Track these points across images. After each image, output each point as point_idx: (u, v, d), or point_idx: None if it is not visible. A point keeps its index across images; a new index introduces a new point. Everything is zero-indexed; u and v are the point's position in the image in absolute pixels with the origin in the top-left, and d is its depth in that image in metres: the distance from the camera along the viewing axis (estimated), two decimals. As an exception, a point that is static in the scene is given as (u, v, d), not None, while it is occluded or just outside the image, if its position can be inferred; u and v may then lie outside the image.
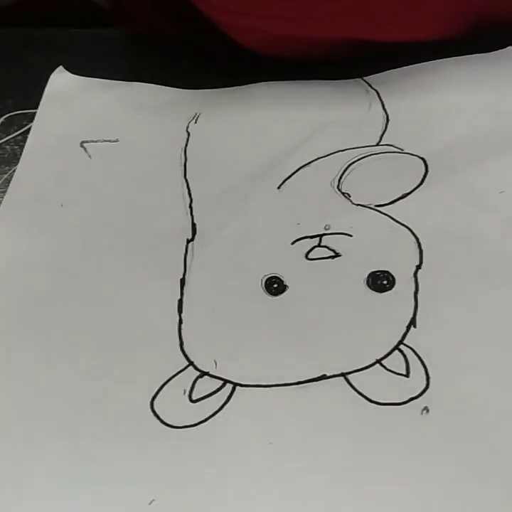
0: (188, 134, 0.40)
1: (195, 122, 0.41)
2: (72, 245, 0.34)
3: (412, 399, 0.27)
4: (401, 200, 0.34)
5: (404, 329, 0.29)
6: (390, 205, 0.34)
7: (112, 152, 0.39)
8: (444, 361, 0.28)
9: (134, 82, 0.44)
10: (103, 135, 0.40)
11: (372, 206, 0.34)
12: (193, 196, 0.36)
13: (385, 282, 0.31)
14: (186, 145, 0.39)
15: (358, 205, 0.34)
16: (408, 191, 0.35)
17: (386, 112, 0.40)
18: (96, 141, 0.40)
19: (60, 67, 0.45)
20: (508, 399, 0.26)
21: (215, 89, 0.43)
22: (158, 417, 0.26)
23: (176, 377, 0.27)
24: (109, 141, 0.40)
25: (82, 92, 0.44)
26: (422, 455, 0.25)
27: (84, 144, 0.40)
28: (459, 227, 0.33)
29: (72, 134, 0.40)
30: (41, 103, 0.42)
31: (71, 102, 0.43)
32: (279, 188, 0.36)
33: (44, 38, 0.49)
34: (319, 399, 0.27)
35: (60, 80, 0.44)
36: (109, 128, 0.41)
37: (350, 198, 0.35)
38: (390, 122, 0.39)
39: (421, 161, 0.36)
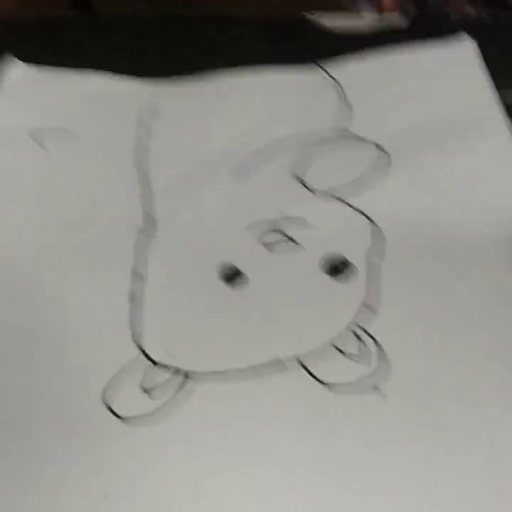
0: (141, 124, 0.40)
1: (148, 112, 0.41)
2: (23, 241, 0.33)
3: (364, 379, 0.27)
4: (357, 186, 0.35)
5: (356, 310, 0.29)
6: (345, 191, 0.34)
7: (64, 144, 0.38)
8: (397, 343, 0.28)
9: (89, 72, 0.43)
10: (56, 127, 0.40)
11: (327, 191, 0.34)
12: (145, 185, 0.35)
13: (338, 266, 0.31)
14: (139, 135, 0.39)
15: (313, 190, 0.34)
16: (364, 178, 0.35)
17: (345, 101, 0.40)
18: (48, 133, 0.39)
19: (13, 57, 0.44)
20: (461, 382, 0.27)
21: (169, 78, 0.43)
22: (110, 409, 0.26)
23: (127, 368, 0.27)
24: (61, 132, 0.39)
25: (36, 82, 0.43)
26: (378, 440, 0.25)
27: (36, 136, 0.39)
28: (415, 213, 0.34)
29: (24, 127, 0.40)
30: None
31: (25, 93, 0.42)
32: (233, 174, 0.36)
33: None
34: (273, 388, 0.27)
35: (14, 71, 0.43)
36: (62, 119, 0.40)
37: (306, 184, 0.35)
38: (346, 108, 0.39)
39: (379, 150, 0.36)
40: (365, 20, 0.46)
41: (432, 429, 0.25)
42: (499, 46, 0.43)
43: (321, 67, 0.42)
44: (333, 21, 0.46)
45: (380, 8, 0.54)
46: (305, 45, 0.45)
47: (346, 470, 0.24)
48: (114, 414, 0.26)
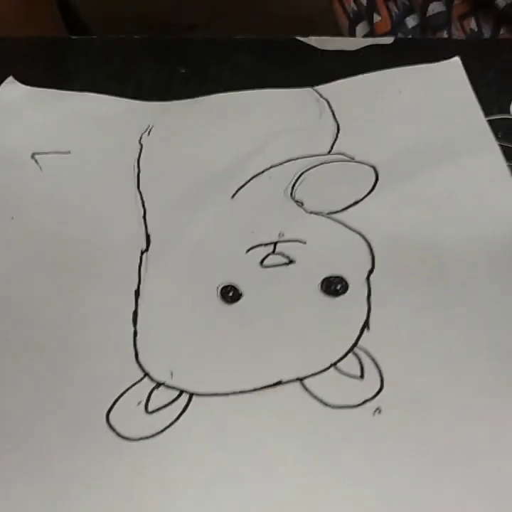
0: (141, 146, 0.40)
1: (148, 134, 0.41)
2: (24, 258, 0.33)
3: (366, 401, 0.27)
4: (353, 207, 0.35)
5: (358, 332, 0.29)
6: (342, 212, 0.35)
7: (64, 164, 0.39)
8: (397, 362, 0.28)
9: (87, 93, 0.44)
10: (55, 147, 0.40)
11: (324, 213, 0.35)
12: (146, 207, 0.36)
13: (338, 287, 0.31)
14: (139, 156, 0.39)
15: (310, 212, 0.35)
16: (360, 198, 0.36)
17: (336, 121, 0.41)
18: (47, 153, 0.40)
19: (10, 78, 0.44)
20: (459, 398, 0.27)
21: (169, 102, 0.43)
22: (114, 430, 0.26)
23: (131, 389, 0.27)
24: (61, 152, 0.40)
25: (34, 102, 0.43)
26: (377, 456, 0.25)
27: (36, 156, 0.39)
28: (410, 231, 0.34)
29: (24, 146, 0.40)
30: None
31: (22, 113, 0.42)
32: (232, 197, 0.36)
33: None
34: (275, 405, 0.27)
35: (11, 91, 0.44)
36: (61, 139, 0.41)
37: (303, 206, 0.35)
38: (340, 131, 0.40)
39: (371, 169, 0.37)
40: (353, 42, 0.48)
41: (431, 443, 0.26)
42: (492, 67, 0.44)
43: (314, 89, 0.43)
44: (324, 43, 0.47)
45: (374, 31, 0.55)
46: (299, 66, 0.46)
47: (347, 484, 0.25)
48: (118, 435, 0.26)
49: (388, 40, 0.47)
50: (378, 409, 0.27)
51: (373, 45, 0.46)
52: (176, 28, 0.51)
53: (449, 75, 0.43)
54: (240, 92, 0.44)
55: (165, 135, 0.41)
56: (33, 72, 0.45)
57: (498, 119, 0.40)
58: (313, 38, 0.47)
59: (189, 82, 0.45)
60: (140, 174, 0.38)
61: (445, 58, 0.45)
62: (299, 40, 0.48)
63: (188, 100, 0.43)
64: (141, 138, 0.41)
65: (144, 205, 0.36)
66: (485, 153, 0.38)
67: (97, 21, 0.59)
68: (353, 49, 0.46)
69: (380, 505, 0.24)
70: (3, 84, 0.44)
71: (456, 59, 0.44)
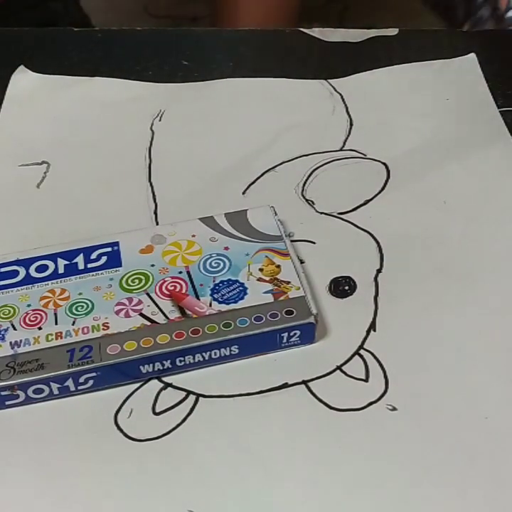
0: (153, 133, 0.40)
1: (160, 120, 0.41)
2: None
3: (371, 403, 0.27)
4: (363, 206, 0.35)
5: (365, 334, 0.30)
6: (351, 208, 0.35)
7: (75, 158, 0.39)
8: (402, 363, 0.29)
9: (97, 77, 0.44)
10: (67, 136, 0.40)
11: (335, 213, 0.35)
12: (157, 202, 0.36)
13: (346, 288, 0.31)
14: (150, 145, 0.39)
15: (321, 212, 0.35)
16: (370, 197, 0.35)
17: (350, 117, 0.40)
18: (60, 144, 0.40)
19: (21, 67, 0.44)
20: (464, 401, 0.27)
21: (179, 84, 0.43)
22: (122, 431, 0.27)
23: (139, 390, 0.28)
24: (72, 143, 0.40)
25: (45, 90, 0.43)
26: (382, 459, 0.26)
27: (47, 147, 0.39)
28: (419, 228, 0.34)
29: (36, 137, 0.40)
30: (3, 106, 0.42)
31: (34, 102, 0.42)
32: (244, 193, 0.36)
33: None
34: (281, 408, 0.27)
35: (22, 80, 0.44)
36: (73, 127, 0.40)
37: (314, 206, 0.35)
38: (353, 127, 0.39)
39: (383, 166, 0.37)
40: (357, 33, 0.47)
41: (435, 446, 0.26)
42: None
43: (328, 82, 0.43)
44: (327, 35, 0.46)
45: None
46: (303, 58, 0.45)
47: (350, 487, 0.25)
48: (126, 435, 0.26)
49: (392, 31, 0.47)
50: (391, 406, 0.27)
51: (377, 36, 0.46)
52: (178, 20, 0.50)
53: (465, 71, 0.43)
54: (253, 79, 0.43)
55: (176, 122, 0.41)
56: (35, 65, 0.44)
57: (504, 111, 0.40)
58: (316, 29, 0.47)
59: (192, 75, 0.44)
60: (151, 165, 0.38)
61: (448, 49, 0.44)
62: (303, 32, 0.47)
63: (200, 83, 0.43)
64: (152, 124, 0.40)
65: (155, 200, 0.36)
66: (498, 152, 0.37)
67: (99, 13, 0.58)
68: (357, 41, 0.46)
69: (382, 508, 0.25)
70: (14, 74, 0.43)
71: (472, 55, 0.43)
